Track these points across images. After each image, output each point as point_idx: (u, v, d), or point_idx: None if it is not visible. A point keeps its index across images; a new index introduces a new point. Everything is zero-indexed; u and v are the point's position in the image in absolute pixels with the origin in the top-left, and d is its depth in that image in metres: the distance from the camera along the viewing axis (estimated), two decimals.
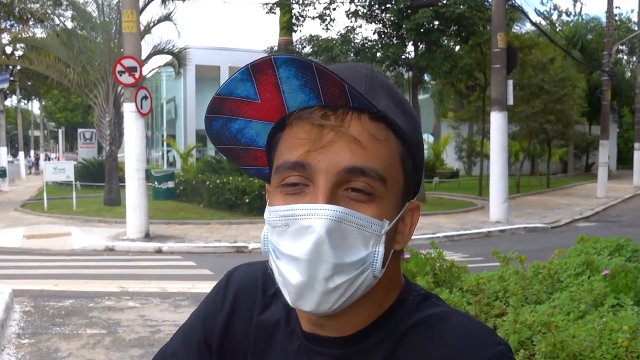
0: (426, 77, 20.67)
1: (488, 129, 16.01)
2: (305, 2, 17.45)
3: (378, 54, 16.98)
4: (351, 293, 0.70)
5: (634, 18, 38.18)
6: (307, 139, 0.69)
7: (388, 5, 16.72)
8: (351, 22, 17.51)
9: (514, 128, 22.90)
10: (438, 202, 18.25)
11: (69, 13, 23.23)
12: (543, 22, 33.23)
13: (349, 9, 17.45)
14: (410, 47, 17.54)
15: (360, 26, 17.64)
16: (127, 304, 6.61)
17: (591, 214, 16.37)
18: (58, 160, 43.16)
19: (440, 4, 15.56)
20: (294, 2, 17.57)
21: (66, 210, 15.79)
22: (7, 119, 33.92)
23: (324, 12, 17.49)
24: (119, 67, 10.75)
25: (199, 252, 10.34)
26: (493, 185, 13.84)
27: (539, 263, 3.48)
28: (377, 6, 17.02)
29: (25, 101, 47.12)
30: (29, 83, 31.57)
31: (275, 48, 18.65)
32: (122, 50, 12.86)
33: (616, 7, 50.53)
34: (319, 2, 17.42)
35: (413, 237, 0.80)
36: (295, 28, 17.95)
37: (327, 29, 17.68)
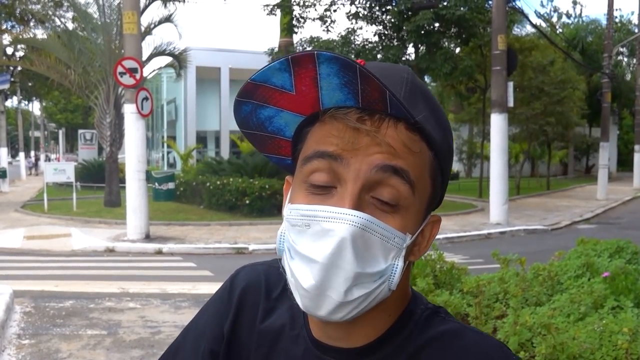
0: (426, 79, 20.67)
1: (488, 130, 16.01)
2: (306, 3, 17.49)
3: (378, 56, 17.00)
4: (366, 305, 0.69)
5: (635, 20, 38.25)
6: (340, 138, 0.68)
7: (388, 7, 16.76)
8: (352, 23, 17.58)
9: (514, 130, 22.92)
10: None
11: (69, 14, 23.28)
12: (543, 24, 33.31)
13: (350, 11, 17.50)
14: (410, 49, 17.59)
15: (361, 28, 17.72)
16: (127, 305, 6.62)
17: (591, 216, 16.37)
18: (58, 161, 43.22)
19: (440, 5, 15.58)
20: (294, 3, 17.60)
21: (66, 211, 15.78)
22: (7, 119, 33.92)
23: (325, 13, 17.54)
24: (119, 69, 10.76)
25: (199, 254, 10.32)
26: (493, 187, 13.84)
27: (539, 265, 3.48)
28: (377, 8, 17.06)
29: (26, 102, 47.22)
30: (30, 84, 31.58)
31: (276, 49, 18.68)
32: (122, 51, 12.89)
33: (616, 9, 50.77)
34: (319, 4, 17.46)
35: None
36: (296, 29, 17.97)
37: (328, 30, 17.73)
